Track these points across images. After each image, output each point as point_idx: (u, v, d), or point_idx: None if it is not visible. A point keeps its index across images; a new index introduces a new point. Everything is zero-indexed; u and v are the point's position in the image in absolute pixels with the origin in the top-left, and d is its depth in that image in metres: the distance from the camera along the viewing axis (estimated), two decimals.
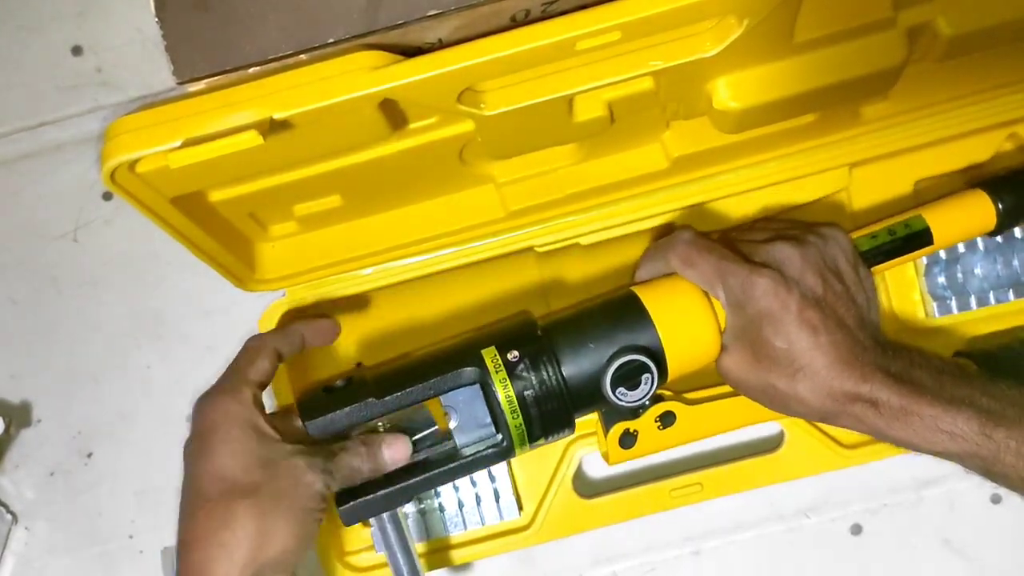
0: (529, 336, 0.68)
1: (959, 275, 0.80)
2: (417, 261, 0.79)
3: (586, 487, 0.83)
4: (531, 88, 0.62)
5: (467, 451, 0.68)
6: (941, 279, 0.81)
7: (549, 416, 0.67)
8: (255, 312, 0.80)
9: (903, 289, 0.82)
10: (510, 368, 0.66)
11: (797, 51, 0.65)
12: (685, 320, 0.69)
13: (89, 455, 0.87)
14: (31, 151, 0.89)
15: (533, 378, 0.66)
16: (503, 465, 0.82)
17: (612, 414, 0.73)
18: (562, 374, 0.67)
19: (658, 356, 0.68)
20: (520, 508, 0.83)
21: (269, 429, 0.66)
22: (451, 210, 0.78)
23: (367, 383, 0.67)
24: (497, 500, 0.82)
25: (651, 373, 0.67)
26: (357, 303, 0.83)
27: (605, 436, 0.73)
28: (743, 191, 0.79)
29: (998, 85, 0.76)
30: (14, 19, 0.89)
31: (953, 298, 0.81)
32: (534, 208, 0.77)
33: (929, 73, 0.72)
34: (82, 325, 0.88)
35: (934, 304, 0.81)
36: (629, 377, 0.67)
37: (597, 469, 0.85)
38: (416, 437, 0.68)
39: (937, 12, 0.66)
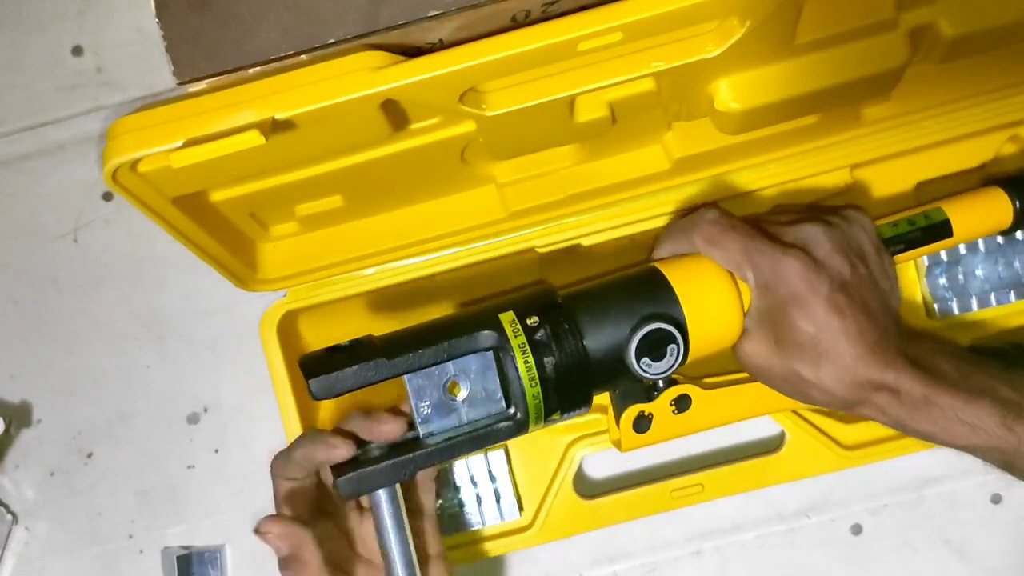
0: (550, 303, 0.64)
1: (960, 276, 0.80)
2: (418, 261, 0.79)
3: (587, 488, 0.83)
4: (533, 89, 0.62)
5: (477, 424, 0.64)
6: (942, 280, 0.81)
7: (568, 388, 0.63)
8: (256, 312, 0.81)
9: (904, 290, 0.82)
10: (530, 334, 0.62)
11: (799, 52, 0.65)
12: (710, 298, 0.66)
13: (89, 455, 0.87)
14: (31, 151, 0.89)
15: (554, 345, 0.62)
16: (504, 465, 0.82)
17: (625, 397, 0.70)
18: (584, 343, 0.63)
19: (683, 330, 0.64)
20: (521, 508, 0.83)
21: None
22: (452, 210, 0.78)
23: (376, 345, 0.62)
24: (498, 500, 0.82)
25: (677, 344, 0.64)
26: (358, 304, 0.82)
27: (618, 422, 0.70)
28: (745, 192, 0.79)
29: (1000, 87, 0.76)
30: (14, 19, 0.89)
31: (954, 299, 0.81)
32: (535, 209, 0.77)
33: (931, 75, 0.72)
34: (82, 325, 0.88)
35: (935, 305, 0.81)
36: (656, 346, 0.64)
37: (598, 470, 0.85)
38: (421, 407, 0.63)
39: (939, 14, 0.66)
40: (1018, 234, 0.80)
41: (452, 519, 0.82)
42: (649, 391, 0.69)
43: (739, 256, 0.66)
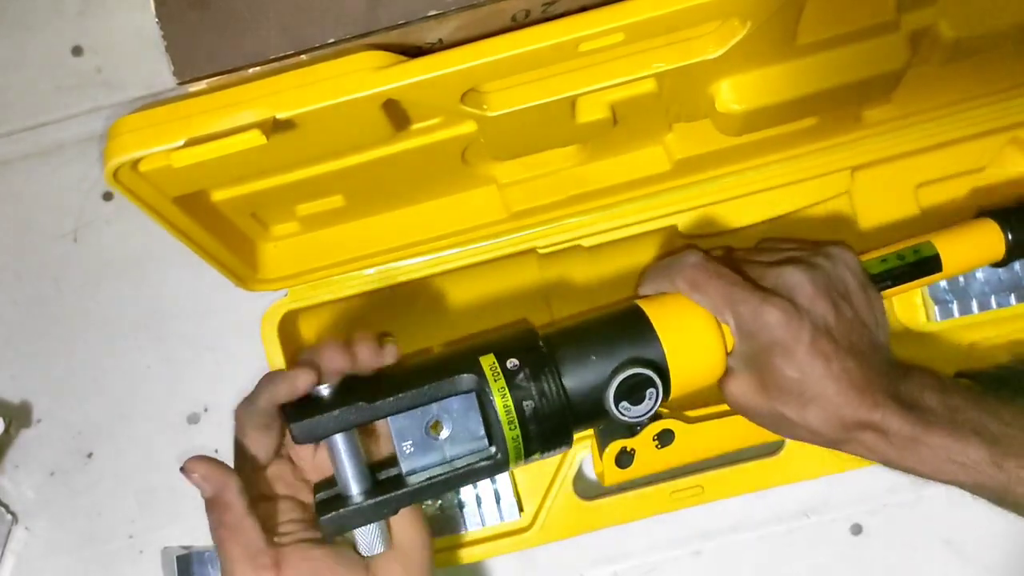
0: (529, 345, 0.65)
1: (960, 279, 0.80)
2: (419, 262, 0.79)
3: (587, 488, 0.83)
4: (534, 89, 0.62)
5: (458, 463, 0.64)
6: (943, 282, 0.81)
7: (548, 429, 0.64)
8: (255, 312, 0.81)
9: (905, 293, 0.82)
10: (509, 377, 0.63)
11: (800, 54, 0.65)
12: (691, 338, 0.66)
13: (89, 455, 0.87)
14: (31, 151, 0.89)
15: (533, 388, 0.63)
16: None
17: (608, 431, 0.71)
18: (563, 385, 0.64)
19: (663, 372, 0.65)
20: (521, 509, 0.82)
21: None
22: (453, 211, 0.78)
23: (357, 388, 0.63)
24: (498, 501, 0.82)
25: (656, 388, 0.65)
26: (358, 304, 0.82)
27: (600, 455, 0.71)
28: (745, 194, 0.79)
29: (1000, 89, 0.77)
30: (14, 19, 0.89)
31: (955, 302, 0.81)
32: (536, 209, 0.77)
33: (931, 77, 0.72)
34: (82, 325, 0.88)
35: (936, 308, 0.81)
36: (633, 391, 0.64)
37: None
38: (404, 447, 0.64)
39: (940, 16, 0.66)
40: None
41: (452, 519, 0.82)
42: (632, 427, 0.71)
43: (720, 303, 0.66)
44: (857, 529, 0.84)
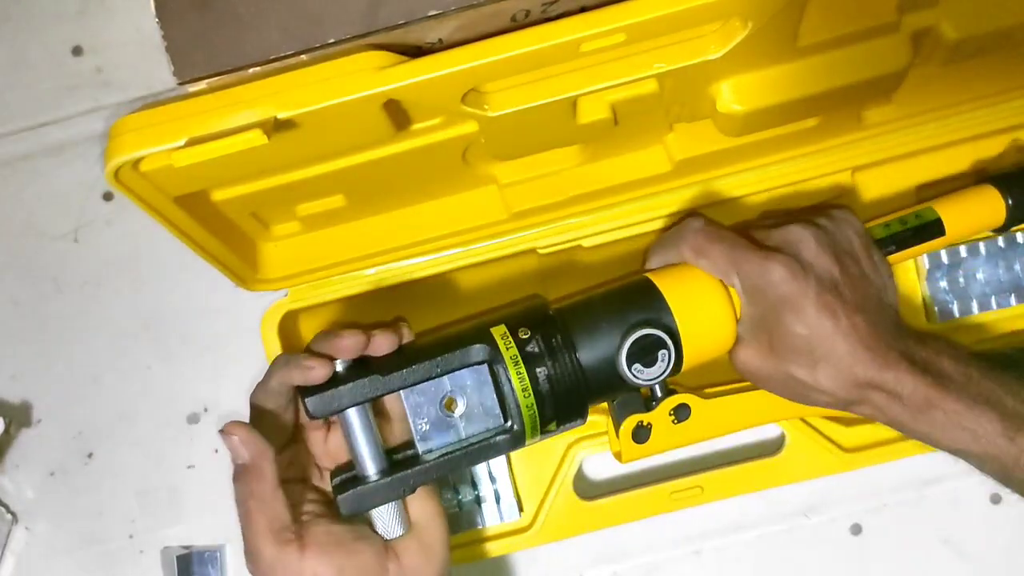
0: (541, 315, 0.65)
1: (961, 279, 0.80)
2: (419, 262, 0.79)
3: (587, 489, 0.83)
4: (535, 90, 0.62)
5: (474, 439, 0.64)
6: (943, 283, 0.81)
7: (562, 398, 0.63)
8: (255, 312, 0.81)
9: (905, 293, 0.82)
10: (521, 346, 0.63)
11: (801, 54, 0.65)
12: (701, 306, 0.66)
13: (89, 455, 0.87)
14: (31, 151, 0.89)
15: (546, 355, 0.63)
16: (504, 466, 0.82)
17: (623, 408, 0.70)
18: (576, 352, 0.64)
19: (676, 339, 0.65)
20: (521, 509, 0.83)
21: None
22: (454, 211, 0.78)
23: (370, 362, 0.62)
24: (498, 501, 0.82)
25: (667, 349, 0.64)
26: (358, 304, 0.82)
27: (617, 433, 0.70)
28: (746, 194, 0.79)
29: (1002, 90, 0.77)
30: (14, 19, 0.89)
31: (955, 302, 0.81)
32: (537, 210, 0.77)
33: (933, 78, 0.72)
34: (82, 325, 0.88)
35: (936, 308, 0.81)
36: (646, 352, 0.64)
37: (598, 471, 0.86)
38: (419, 424, 0.64)
39: (941, 16, 0.66)
40: (1019, 237, 0.80)
41: (452, 519, 0.82)
42: (648, 401, 0.70)
43: (725, 264, 0.66)
44: (857, 529, 0.84)
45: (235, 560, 0.85)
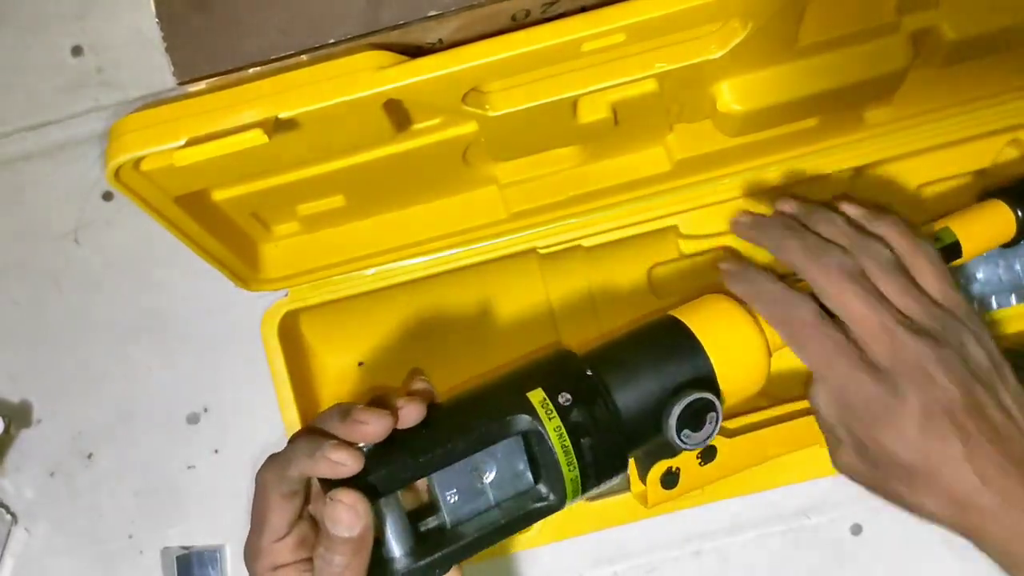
0: (578, 375, 0.61)
1: (961, 279, 0.80)
2: (420, 262, 0.79)
3: None
4: (536, 89, 0.63)
5: (506, 506, 0.60)
6: None
7: (605, 463, 0.60)
8: (255, 312, 0.81)
9: None
10: (563, 414, 0.58)
11: (801, 55, 0.66)
12: (734, 342, 0.64)
13: (89, 455, 0.87)
14: (31, 151, 0.89)
15: (590, 426, 0.58)
16: None
17: (649, 454, 0.68)
18: (620, 419, 0.60)
19: (716, 389, 0.63)
20: None
21: None
22: (454, 211, 0.78)
23: (396, 439, 0.56)
24: None
25: (716, 411, 0.62)
26: (358, 304, 0.82)
27: (643, 479, 0.68)
28: (746, 194, 0.79)
29: (1001, 91, 0.77)
30: (14, 19, 0.89)
31: None
32: (537, 210, 0.77)
33: (932, 78, 0.72)
34: (82, 325, 0.88)
35: None
36: (695, 416, 0.61)
37: None
38: (447, 496, 0.59)
39: (941, 17, 0.66)
40: None
41: None
42: (674, 449, 0.66)
43: (823, 370, 0.62)
44: (857, 529, 0.84)
45: (235, 560, 0.85)
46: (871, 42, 0.66)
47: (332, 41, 0.58)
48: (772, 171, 0.79)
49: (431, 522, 0.60)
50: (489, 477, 0.60)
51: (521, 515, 0.59)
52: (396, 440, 0.56)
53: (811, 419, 0.67)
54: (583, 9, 0.58)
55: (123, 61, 0.89)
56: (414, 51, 0.60)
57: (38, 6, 0.89)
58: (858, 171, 0.80)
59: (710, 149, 0.75)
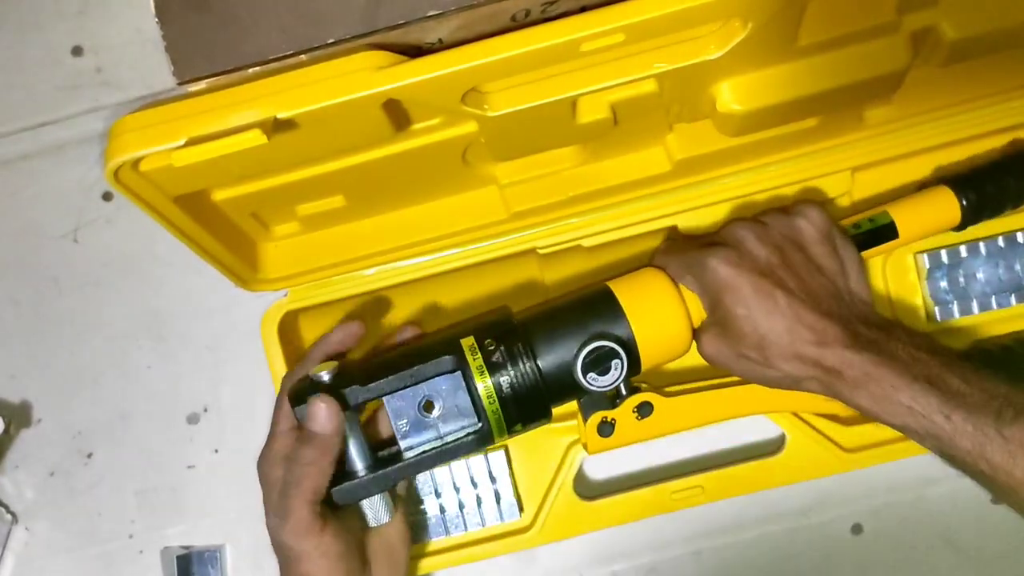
0: (505, 326, 0.70)
1: (961, 279, 0.80)
2: (419, 262, 0.79)
3: (587, 489, 0.83)
4: (535, 89, 0.63)
5: (449, 438, 0.70)
6: (943, 283, 0.81)
7: (526, 404, 0.69)
8: (255, 312, 0.81)
9: (905, 292, 0.83)
10: (487, 357, 0.68)
11: (801, 54, 0.65)
12: (657, 312, 0.70)
13: (89, 455, 0.87)
14: (31, 151, 0.89)
15: (509, 366, 0.68)
16: (504, 466, 0.82)
17: (590, 404, 0.74)
18: (537, 362, 0.69)
19: (630, 345, 0.70)
20: (521, 509, 0.83)
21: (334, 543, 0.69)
22: (454, 211, 0.78)
23: (353, 373, 0.69)
24: (498, 501, 0.82)
25: (620, 359, 0.69)
26: (358, 304, 0.83)
27: (584, 425, 0.75)
28: (745, 194, 0.79)
29: (1000, 91, 0.77)
30: (14, 19, 0.89)
31: (955, 302, 0.81)
32: (537, 210, 0.77)
33: (932, 78, 0.72)
34: (82, 325, 0.88)
35: (936, 308, 0.81)
36: (599, 362, 0.69)
37: (598, 471, 0.85)
38: (400, 426, 0.70)
39: (941, 16, 0.66)
40: (1020, 236, 0.80)
41: (452, 520, 0.82)
42: (613, 399, 0.74)
43: (678, 268, 0.72)
44: (857, 529, 0.84)
45: (235, 560, 0.86)
46: (871, 42, 0.66)
47: (332, 41, 0.58)
48: (771, 171, 0.79)
49: (387, 452, 0.72)
50: (437, 412, 0.70)
51: (457, 444, 0.70)
52: (360, 370, 0.69)
53: (750, 387, 0.74)
54: (583, 9, 0.58)
55: (123, 61, 0.89)
56: (414, 51, 0.60)
57: (38, 6, 0.89)
58: (857, 171, 0.80)
59: (710, 149, 0.75)
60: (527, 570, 0.85)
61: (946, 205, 0.76)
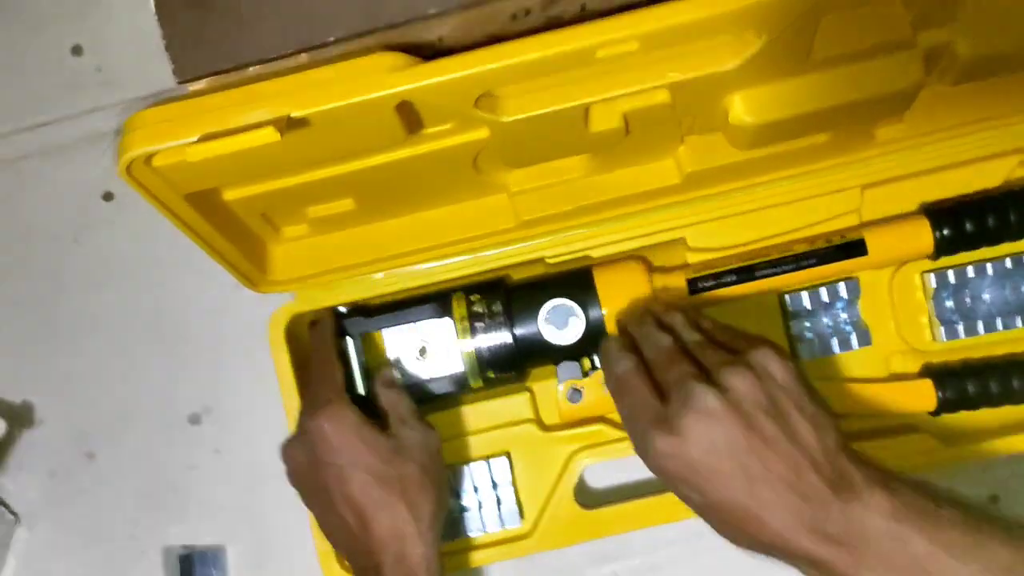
0: (492, 287, 0.79)
1: (967, 300, 0.80)
2: (428, 268, 0.79)
3: (588, 498, 0.83)
4: (548, 96, 0.63)
5: (434, 375, 0.79)
6: (949, 303, 0.81)
7: (498, 354, 0.77)
8: (256, 313, 0.81)
9: (911, 312, 0.82)
10: (469, 307, 0.78)
11: (814, 68, 0.65)
12: (624, 289, 0.76)
13: (91, 456, 0.87)
14: (31, 151, 0.89)
15: (486, 318, 0.77)
16: (506, 472, 0.83)
17: (564, 372, 0.79)
18: (511, 319, 0.77)
19: (598, 327, 0.77)
20: (521, 516, 0.83)
21: (374, 431, 0.72)
22: (463, 218, 0.78)
23: (366, 309, 0.81)
24: (499, 507, 0.82)
25: (577, 316, 0.76)
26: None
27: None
28: (755, 209, 0.79)
29: (1012, 112, 0.76)
30: (14, 19, 0.89)
31: (961, 323, 0.80)
32: (546, 219, 0.77)
33: (945, 97, 0.72)
34: (84, 326, 0.88)
35: (941, 328, 0.81)
36: (558, 316, 0.77)
37: (600, 480, 0.85)
38: (392, 355, 0.80)
39: (956, 34, 0.66)
40: None
41: (453, 524, 0.82)
42: (585, 371, 0.79)
43: (626, 424, 0.66)
44: None
45: (237, 560, 0.85)
46: (885, 57, 0.65)
47: (332, 39, 0.58)
48: (781, 187, 0.79)
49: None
50: (423, 349, 0.79)
51: (440, 379, 0.79)
52: (371, 309, 0.81)
53: None
54: (583, 8, 0.59)
55: (123, 61, 0.89)
56: (415, 49, 0.59)
57: (38, 6, 0.89)
58: (867, 188, 0.80)
59: (720, 162, 0.75)
60: (527, 569, 0.84)
61: (920, 234, 0.77)
